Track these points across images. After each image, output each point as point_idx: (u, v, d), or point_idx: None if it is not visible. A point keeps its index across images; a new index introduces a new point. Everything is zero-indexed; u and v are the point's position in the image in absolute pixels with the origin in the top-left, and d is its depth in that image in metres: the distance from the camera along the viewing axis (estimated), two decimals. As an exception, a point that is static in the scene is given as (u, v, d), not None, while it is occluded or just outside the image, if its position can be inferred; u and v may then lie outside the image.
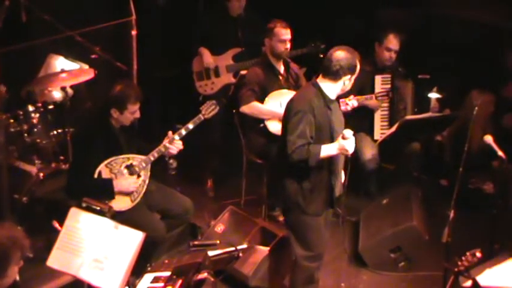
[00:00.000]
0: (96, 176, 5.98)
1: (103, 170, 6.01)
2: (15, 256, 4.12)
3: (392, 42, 7.48)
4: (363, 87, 7.29)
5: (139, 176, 6.12)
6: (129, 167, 6.10)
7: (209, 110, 6.40)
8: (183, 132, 6.25)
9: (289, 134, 5.36)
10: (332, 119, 5.46)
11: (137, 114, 6.14)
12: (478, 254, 5.13)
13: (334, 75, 5.46)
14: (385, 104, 7.50)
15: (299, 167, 5.45)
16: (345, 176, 5.75)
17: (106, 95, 6.17)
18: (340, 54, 5.46)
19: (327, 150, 5.37)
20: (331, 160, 5.49)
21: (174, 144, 6.16)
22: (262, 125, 7.03)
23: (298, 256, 5.74)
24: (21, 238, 4.17)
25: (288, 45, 7.08)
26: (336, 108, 5.61)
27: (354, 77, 5.47)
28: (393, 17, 8.11)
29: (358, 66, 5.46)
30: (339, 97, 5.80)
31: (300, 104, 5.47)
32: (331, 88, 5.48)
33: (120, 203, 6.00)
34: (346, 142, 5.34)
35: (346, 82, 5.47)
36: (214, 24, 7.96)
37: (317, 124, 5.39)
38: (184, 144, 6.24)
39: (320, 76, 5.50)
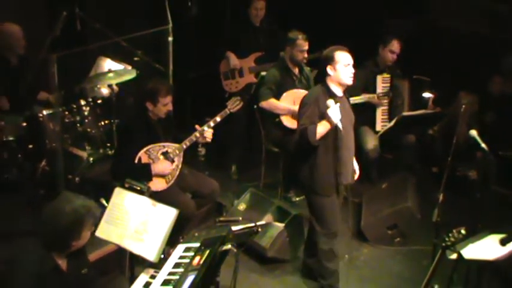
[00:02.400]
0: (136, 161, 5.99)
1: (142, 156, 6.03)
2: (88, 222, 4.22)
3: (395, 45, 7.48)
4: (367, 85, 7.36)
5: (173, 161, 6.14)
6: (165, 154, 6.12)
7: (234, 104, 6.43)
8: (212, 124, 6.27)
9: (298, 125, 5.48)
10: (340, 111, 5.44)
11: (169, 107, 6.15)
12: (463, 231, 5.12)
13: (324, 70, 5.58)
14: (385, 101, 7.50)
15: (310, 155, 5.49)
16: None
17: (141, 91, 6.24)
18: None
19: (320, 126, 5.40)
20: (336, 149, 5.49)
21: (204, 133, 6.20)
22: (278, 119, 7.06)
23: (318, 233, 5.77)
24: (94, 208, 4.27)
25: (306, 55, 7.12)
26: (344, 104, 5.59)
27: (338, 65, 5.48)
28: (396, 25, 8.07)
29: (337, 56, 5.49)
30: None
31: (307, 98, 5.59)
32: (335, 86, 5.54)
33: (157, 184, 6.02)
34: (329, 110, 5.38)
35: (331, 72, 5.50)
36: (238, 32, 7.95)
37: (321, 116, 5.42)
38: (212, 135, 6.29)
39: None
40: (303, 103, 5.59)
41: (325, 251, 5.79)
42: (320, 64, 5.67)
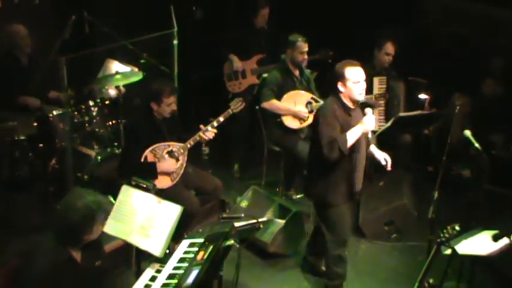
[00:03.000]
0: (142, 159, 6.01)
1: (148, 154, 6.04)
2: (100, 217, 4.24)
3: (390, 48, 7.46)
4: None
5: (178, 160, 6.15)
6: (170, 153, 6.14)
7: (237, 105, 6.44)
8: (215, 124, 6.28)
9: (321, 140, 5.28)
10: (352, 123, 5.36)
11: (173, 107, 6.15)
12: (457, 228, 5.14)
13: (334, 85, 5.45)
14: (382, 102, 7.50)
15: (326, 167, 5.41)
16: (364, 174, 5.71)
17: (146, 91, 6.24)
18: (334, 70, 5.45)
19: (352, 133, 5.30)
20: (352, 159, 5.43)
21: (207, 133, 6.21)
22: (279, 119, 7.06)
23: (329, 241, 5.71)
24: (105, 203, 4.29)
25: (306, 56, 7.13)
26: (358, 115, 5.47)
27: (348, 82, 5.33)
28: (392, 30, 8.08)
29: (347, 73, 5.33)
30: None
31: (325, 111, 5.40)
32: (346, 97, 5.40)
33: (162, 182, 6.04)
34: (365, 118, 5.33)
35: (342, 88, 5.36)
36: (241, 35, 7.95)
37: (340, 127, 5.34)
38: (215, 135, 6.31)
39: None
40: (322, 116, 5.38)
41: (335, 256, 5.75)
42: (331, 78, 5.50)
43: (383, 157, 5.66)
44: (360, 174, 5.59)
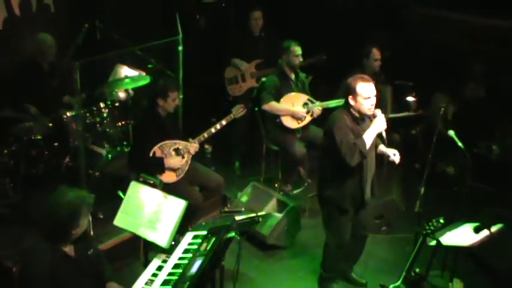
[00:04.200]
0: (151, 155, 6.05)
1: (156, 151, 6.07)
2: (84, 211, 4.20)
3: (377, 53, 7.42)
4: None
5: (183, 157, 6.19)
6: (176, 150, 6.17)
7: (238, 111, 6.50)
8: (218, 126, 6.35)
9: (341, 149, 5.22)
10: (361, 132, 5.33)
11: (178, 102, 6.22)
12: (442, 221, 5.19)
13: (343, 97, 5.45)
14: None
15: (338, 174, 5.39)
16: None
17: (152, 89, 6.28)
18: (345, 82, 5.41)
19: (368, 135, 5.28)
20: (362, 167, 5.39)
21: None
22: (278, 120, 7.08)
23: (328, 240, 5.75)
24: (87, 197, 4.25)
25: (301, 59, 7.14)
26: (366, 123, 5.42)
27: (358, 97, 5.27)
28: (377, 36, 8.09)
29: (359, 89, 5.26)
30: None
31: (338, 123, 5.33)
32: (355, 110, 5.35)
33: (168, 177, 6.08)
34: (376, 119, 5.31)
35: (352, 102, 5.31)
36: (241, 41, 7.97)
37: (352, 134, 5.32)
38: (218, 135, 6.34)
39: None
40: (336, 128, 5.28)
41: (333, 254, 5.77)
42: (343, 90, 5.48)
43: (392, 153, 5.60)
44: (369, 182, 5.56)
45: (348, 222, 5.60)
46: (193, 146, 6.24)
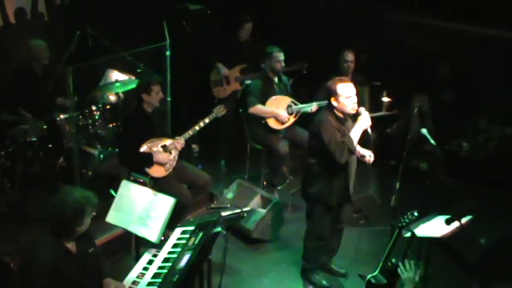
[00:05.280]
0: (141, 150, 6.05)
1: (145, 147, 6.07)
2: (88, 210, 4.21)
3: (349, 56, 7.46)
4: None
5: (171, 153, 6.18)
6: (164, 147, 6.16)
7: (219, 111, 6.49)
8: (201, 124, 6.35)
9: (330, 148, 5.25)
10: (347, 132, 5.36)
11: (161, 94, 6.19)
12: (416, 214, 5.20)
13: (326, 100, 5.46)
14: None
15: (323, 172, 5.42)
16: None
17: (135, 88, 6.28)
18: (324, 86, 5.43)
19: (355, 132, 5.32)
20: (347, 165, 5.43)
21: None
22: (264, 121, 7.08)
23: (309, 233, 5.80)
24: (92, 197, 4.25)
25: (283, 64, 7.15)
26: (349, 123, 5.46)
27: (340, 98, 5.31)
28: (354, 40, 8.12)
29: (339, 89, 5.30)
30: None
31: (324, 124, 5.36)
32: (339, 111, 5.39)
33: (157, 171, 6.06)
34: (361, 116, 5.34)
35: (335, 103, 5.34)
36: (227, 46, 7.96)
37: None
38: (205, 135, 6.34)
39: None
40: (323, 129, 5.31)
41: (313, 246, 5.81)
42: (324, 94, 5.49)
43: (368, 153, 5.66)
44: (353, 177, 5.60)
45: (329, 217, 5.65)
46: (179, 143, 6.24)
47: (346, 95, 5.32)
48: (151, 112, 6.20)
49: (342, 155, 5.26)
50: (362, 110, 5.38)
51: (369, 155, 5.62)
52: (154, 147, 6.11)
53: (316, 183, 5.54)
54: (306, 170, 5.77)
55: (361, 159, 5.67)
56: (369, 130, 5.45)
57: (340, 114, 5.40)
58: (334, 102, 5.36)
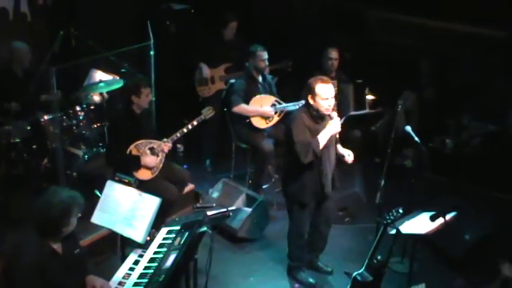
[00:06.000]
0: (128, 153, 6.03)
1: (133, 149, 6.05)
2: (75, 210, 4.19)
3: (333, 53, 7.47)
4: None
5: (158, 156, 6.17)
6: (151, 149, 6.14)
7: (208, 112, 6.50)
8: (190, 127, 6.34)
9: (296, 147, 5.29)
10: (320, 130, 5.35)
11: (150, 97, 6.20)
12: (401, 211, 5.23)
13: (304, 97, 5.47)
14: (334, 103, 7.51)
15: (298, 170, 5.42)
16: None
17: (125, 89, 6.26)
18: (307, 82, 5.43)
19: (323, 135, 5.31)
20: (321, 164, 5.43)
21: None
22: (248, 120, 7.09)
23: (291, 231, 5.81)
24: (79, 197, 4.24)
25: (267, 63, 7.15)
26: (324, 121, 5.44)
27: (317, 97, 5.30)
28: (337, 38, 8.14)
29: (317, 89, 5.29)
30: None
31: (294, 121, 5.39)
32: (313, 107, 5.40)
33: (144, 174, 6.06)
34: (332, 121, 5.34)
35: (311, 101, 5.34)
36: (211, 46, 7.93)
37: (309, 134, 5.35)
38: (190, 134, 6.33)
39: None
40: (293, 126, 5.35)
41: (295, 243, 5.83)
42: (305, 90, 5.45)
43: (347, 153, 5.67)
44: (329, 176, 5.59)
45: (308, 214, 5.66)
46: (166, 145, 6.23)
47: (323, 96, 5.32)
48: (140, 113, 6.18)
49: (306, 156, 5.28)
50: (334, 114, 5.40)
51: (347, 154, 5.65)
52: (141, 149, 6.09)
53: (291, 182, 5.58)
54: (283, 169, 5.83)
55: (341, 159, 5.68)
56: (337, 136, 5.50)
57: (315, 113, 5.41)
58: (310, 100, 5.38)
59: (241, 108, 7.05)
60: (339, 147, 5.68)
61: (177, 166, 6.63)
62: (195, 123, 6.36)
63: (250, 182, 7.36)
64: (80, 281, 4.34)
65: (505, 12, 7.14)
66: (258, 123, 7.07)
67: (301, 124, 5.35)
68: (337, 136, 5.51)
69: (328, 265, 6.12)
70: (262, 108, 7.05)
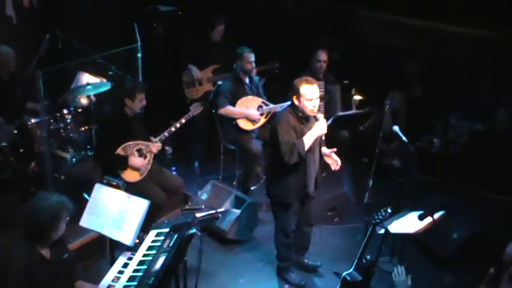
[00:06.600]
0: (116, 153, 6.02)
1: (120, 151, 6.03)
2: (63, 215, 4.18)
3: (322, 55, 7.47)
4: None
5: (145, 157, 6.15)
6: (139, 150, 6.13)
7: (196, 109, 6.47)
8: (178, 125, 6.32)
9: (281, 148, 5.29)
10: (306, 131, 5.38)
11: (144, 102, 6.17)
12: (389, 210, 5.25)
13: (289, 98, 5.48)
14: (321, 103, 7.54)
15: (282, 171, 5.43)
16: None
17: (120, 90, 6.24)
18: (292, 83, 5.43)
19: (308, 137, 5.33)
20: (305, 164, 5.44)
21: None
22: (234, 122, 7.08)
23: (277, 232, 5.82)
24: (67, 202, 4.24)
25: (254, 65, 7.15)
26: (310, 122, 5.47)
27: (302, 98, 5.32)
28: (326, 40, 8.15)
29: (302, 90, 5.31)
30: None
31: (281, 121, 5.41)
32: (298, 108, 5.40)
33: (132, 176, 6.06)
34: (318, 123, 5.35)
35: (296, 102, 5.36)
36: (199, 47, 7.92)
37: (295, 135, 5.36)
38: (178, 136, 6.33)
39: None
40: (279, 127, 5.37)
41: (282, 243, 5.84)
42: (290, 91, 5.46)
43: (334, 157, 5.67)
44: (313, 177, 5.60)
45: (293, 214, 5.67)
46: (155, 146, 6.21)
47: (308, 97, 5.33)
48: (131, 116, 6.18)
49: (290, 157, 5.30)
50: (320, 116, 5.41)
51: (334, 159, 5.65)
52: (129, 150, 6.07)
53: (275, 183, 5.60)
54: (267, 170, 5.89)
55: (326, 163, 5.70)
56: (323, 138, 5.50)
57: (300, 114, 5.42)
58: (295, 101, 5.39)
59: (227, 110, 7.05)
60: (324, 149, 5.69)
61: (171, 174, 6.64)
62: (183, 121, 6.34)
63: (234, 183, 7.36)
64: (69, 286, 4.33)
65: (492, 11, 7.17)
66: (245, 125, 7.08)
67: (287, 125, 5.36)
68: (323, 138, 5.51)
69: (317, 260, 6.11)
70: (248, 111, 7.06)
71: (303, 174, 5.49)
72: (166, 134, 6.30)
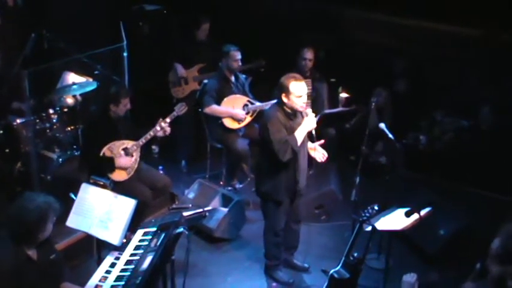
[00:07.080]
0: (101, 154, 6.01)
1: (106, 151, 6.03)
2: (50, 216, 4.16)
3: (307, 54, 7.47)
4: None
5: (132, 156, 6.14)
6: (125, 150, 6.13)
7: (180, 109, 6.45)
8: (163, 124, 6.30)
9: (273, 145, 5.29)
10: (295, 127, 5.38)
11: (128, 106, 6.18)
12: (376, 207, 5.27)
13: (277, 95, 5.49)
14: (308, 101, 7.55)
15: (272, 168, 5.44)
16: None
17: (104, 95, 6.22)
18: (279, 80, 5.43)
19: (299, 132, 5.34)
20: (296, 160, 5.44)
21: (162, 129, 6.22)
22: (220, 121, 7.08)
23: (267, 229, 5.82)
24: (54, 202, 4.21)
25: (240, 63, 7.15)
26: (298, 119, 5.47)
27: (291, 95, 5.30)
28: (312, 38, 8.16)
29: (291, 87, 5.29)
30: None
31: (270, 118, 5.40)
32: (288, 107, 5.40)
33: (119, 175, 6.06)
34: (307, 118, 5.36)
35: (285, 99, 5.35)
36: (184, 46, 7.92)
37: (287, 131, 5.36)
38: (165, 136, 6.32)
39: None
40: (270, 124, 5.35)
41: (271, 241, 5.83)
42: (278, 89, 5.45)
43: (321, 152, 5.69)
44: (303, 173, 5.62)
45: (283, 212, 5.68)
46: (139, 144, 6.20)
47: (297, 93, 5.33)
48: (115, 118, 6.18)
49: (284, 153, 5.30)
50: (309, 111, 5.42)
51: (322, 154, 5.66)
52: (114, 150, 6.06)
53: (266, 181, 5.59)
54: (257, 168, 5.86)
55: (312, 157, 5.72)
56: (313, 132, 5.49)
57: (289, 110, 5.43)
58: (284, 98, 5.38)
59: (213, 109, 7.05)
60: (309, 144, 5.69)
61: (158, 172, 6.63)
62: (168, 120, 6.33)
63: (221, 182, 7.36)
64: (56, 286, 4.30)
65: (478, 10, 7.21)
66: (230, 124, 7.08)
67: (277, 122, 5.36)
68: (314, 132, 5.52)
69: (305, 263, 6.13)
70: (233, 110, 7.06)
71: (293, 170, 5.50)
72: (151, 133, 6.26)
